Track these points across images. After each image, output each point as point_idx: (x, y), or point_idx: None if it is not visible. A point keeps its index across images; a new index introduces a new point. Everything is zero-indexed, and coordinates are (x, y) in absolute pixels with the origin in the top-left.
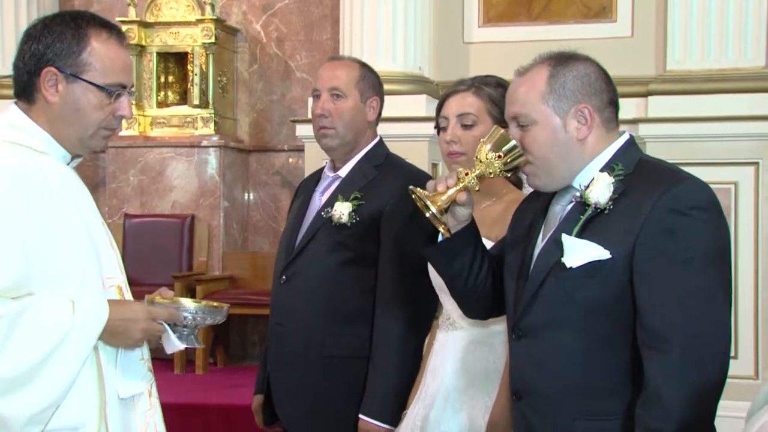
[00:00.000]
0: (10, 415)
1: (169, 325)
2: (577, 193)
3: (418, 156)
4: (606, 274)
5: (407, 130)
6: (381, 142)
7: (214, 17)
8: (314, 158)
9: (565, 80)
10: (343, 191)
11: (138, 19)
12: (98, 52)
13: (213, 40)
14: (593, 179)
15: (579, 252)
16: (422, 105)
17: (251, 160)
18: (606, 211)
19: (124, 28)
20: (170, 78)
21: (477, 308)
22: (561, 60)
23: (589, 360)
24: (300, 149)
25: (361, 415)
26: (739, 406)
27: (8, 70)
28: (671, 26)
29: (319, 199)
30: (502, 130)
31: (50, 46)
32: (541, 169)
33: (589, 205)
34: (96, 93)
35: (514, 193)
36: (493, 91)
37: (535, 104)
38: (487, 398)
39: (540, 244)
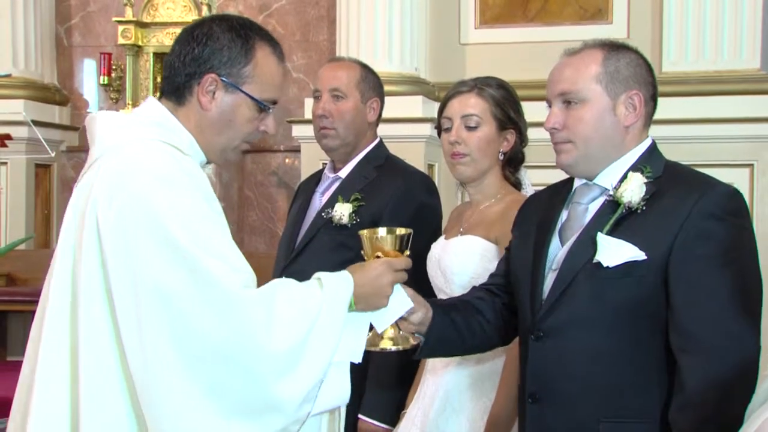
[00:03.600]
0: (285, 397)
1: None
2: (609, 192)
3: (414, 157)
4: (640, 275)
5: (404, 131)
6: (381, 144)
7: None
8: (311, 159)
9: (618, 65)
10: (343, 192)
11: (135, 19)
12: (261, 66)
13: None
14: (625, 178)
15: (615, 251)
16: (419, 106)
17: (247, 160)
18: (638, 212)
19: (120, 28)
20: None
21: (510, 333)
22: (614, 46)
23: (618, 360)
24: (296, 150)
25: (360, 415)
26: None
27: (3, 70)
28: (667, 28)
29: (319, 200)
30: (366, 232)
31: (216, 52)
32: (578, 148)
33: (620, 205)
34: (251, 107)
35: (513, 195)
36: (496, 92)
37: (587, 82)
38: (486, 399)
39: (555, 242)
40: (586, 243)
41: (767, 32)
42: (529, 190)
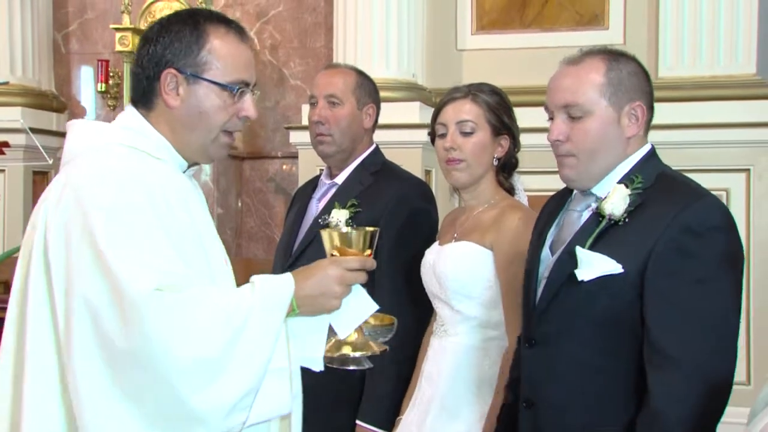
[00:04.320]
0: (207, 408)
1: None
2: (595, 204)
3: (411, 163)
4: (617, 288)
5: (401, 137)
6: (377, 150)
7: None
8: (308, 165)
9: (621, 75)
10: (339, 198)
11: (132, 26)
12: (218, 49)
13: None
14: (611, 191)
15: (592, 265)
16: (416, 112)
17: (245, 166)
18: (620, 224)
19: (118, 35)
20: None
21: None
22: (614, 55)
23: (598, 371)
24: (294, 156)
25: (358, 421)
26: (731, 411)
27: (1, 78)
28: (663, 33)
29: (316, 206)
30: (325, 232)
31: (168, 46)
32: (582, 161)
33: (603, 217)
34: (219, 93)
35: (507, 200)
36: (489, 98)
37: (591, 95)
38: (483, 404)
39: (546, 250)
40: (570, 254)
41: (763, 37)
42: (521, 195)
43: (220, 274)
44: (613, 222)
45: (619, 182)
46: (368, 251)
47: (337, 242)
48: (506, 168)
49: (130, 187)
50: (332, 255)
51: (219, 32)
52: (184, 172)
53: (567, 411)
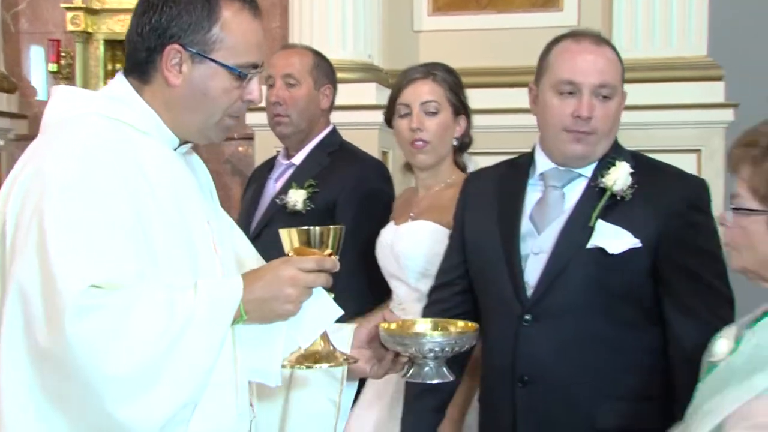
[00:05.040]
0: (135, 422)
1: (415, 359)
2: (597, 179)
3: (368, 143)
4: (634, 261)
5: (357, 118)
6: (335, 130)
7: None
8: (264, 147)
9: (621, 63)
10: (297, 179)
11: (84, 5)
12: (230, 26)
13: None
14: (611, 165)
15: (616, 239)
16: (372, 93)
17: (201, 149)
18: (624, 200)
19: (69, 14)
20: (118, 65)
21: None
22: (609, 42)
23: (612, 344)
24: (250, 137)
25: None
26: None
27: None
28: (617, 15)
29: (273, 187)
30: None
31: (175, 18)
32: (600, 139)
33: (606, 191)
34: (226, 75)
35: (460, 177)
36: (448, 77)
37: (618, 78)
38: None
39: (527, 225)
40: (577, 228)
41: (713, 19)
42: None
43: (205, 261)
44: (615, 198)
45: (601, 162)
46: (329, 251)
47: (295, 241)
48: (462, 147)
49: (96, 165)
50: (289, 255)
51: (233, 7)
52: (175, 149)
53: (571, 385)
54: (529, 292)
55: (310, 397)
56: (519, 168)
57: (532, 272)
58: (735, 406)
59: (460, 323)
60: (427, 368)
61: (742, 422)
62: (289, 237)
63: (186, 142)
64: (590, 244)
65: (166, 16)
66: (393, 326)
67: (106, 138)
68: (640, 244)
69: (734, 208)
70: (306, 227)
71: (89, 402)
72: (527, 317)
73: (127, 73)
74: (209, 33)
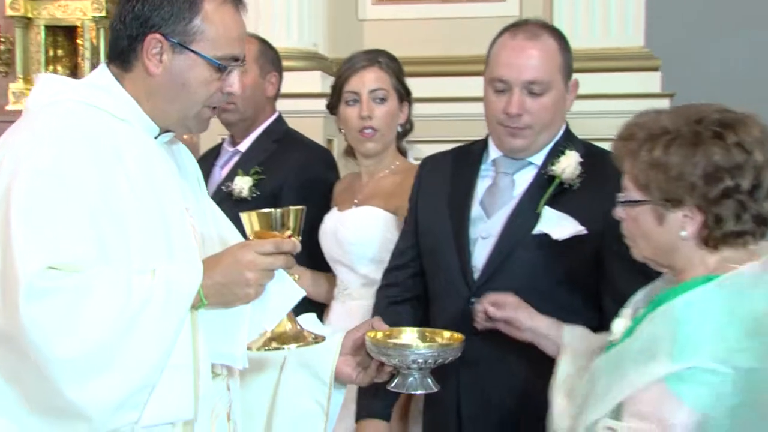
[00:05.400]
0: (88, 403)
1: (400, 369)
2: (546, 167)
3: (313, 131)
4: (578, 248)
5: (303, 106)
6: (280, 118)
7: None
8: (210, 134)
9: (567, 53)
10: (243, 166)
11: None
12: (212, 18)
13: (104, 13)
14: (560, 154)
15: (560, 225)
16: (317, 81)
17: None
18: (573, 188)
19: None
20: (59, 52)
21: None
22: (558, 32)
23: None
24: None
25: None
26: None
27: None
28: (557, 7)
29: (219, 174)
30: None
31: (157, 8)
32: (537, 133)
33: (554, 179)
34: (206, 67)
35: (405, 164)
36: (392, 65)
37: (554, 72)
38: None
39: (477, 210)
40: (524, 214)
41: (650, 11)
42: (411, 160)
43: (181, 247)
44: (564, 186)
45: (552, 150)
46: (288, 232)
47: (256, 224)
48: (404, 134)
49: (69, 151)
50: (249, 239)
51: (216, 0)
52: (156, 137)
53: (512, 365)
54: (477, 275)
55: (296, 396)
56: (472, 154)
57: (480, 256)
58: (629, 391)
59: (446, 334)
60: (411, 379)
61: (629, 408)
62: (249, 220)
63: (167, 131)
64: (536, 230)
65: (149, 5)
66: (379, 335)
67: (82, 124)
68: (585, 231)
69: (621, 202)
70: (266, 210)
71: (43, 382)
72: (473, 300)
73: (109, 61)
74: (190, 24)
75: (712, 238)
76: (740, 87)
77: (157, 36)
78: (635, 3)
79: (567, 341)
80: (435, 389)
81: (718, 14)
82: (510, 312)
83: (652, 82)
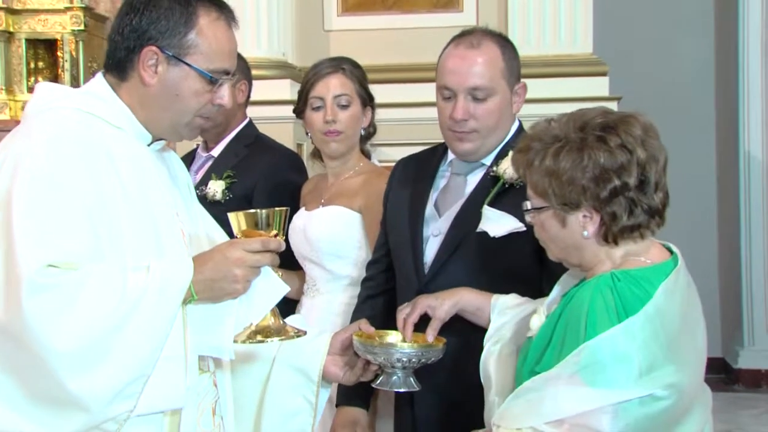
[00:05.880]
0: (86, 394)
1: (384, 367)
2: (492, 168)
3: (284, 137)
4: (518, 244)
5: (273, 113)
6: (251, 123)
7: (83, 5)
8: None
9: (511, 58)
10: (216, 170)
11: (5, 5)
12: (206, 33)
13: (82, 27)
14: (504, 156)
15: (499, 223)
16: (287, 89)
17: None
18: (517, 187)
19: None
20: (40, 64)
21: None
22: (502, 38)
23: None
24: None
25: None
26: None
27: None
28: (512, 17)
29: (193, 178)
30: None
31: (155, 22)
32: (483, 137)
33: (499, 179)
34: (198, 79)
35: (369, 166)
36: (356, 71)
37: (496, 78)
38: None
39: (431, 209)
40: (470, 213)
41: (598, 20)
42: (374, 161)
43: (171, 249)
44: (507, 185)
45: (500, 151)
46: (274, 231)
47: (243, 224)
48: (368, 137)
49: (64, 155)
50: (237, 237)
51: (210, 16)
52: (149, 145)
53: (459, 358)
54: (427, 270)
55: (285, 393)
56: (435, 155)
57: (430, 253)
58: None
59: (429, 337)
60: (395, 377)
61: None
62: (237, 220)
63: (159, 139)
64: (478, 229)
65: (146, 19)
66: (366, 336)
67: (77, 130)
68: (523, 228)
69: (526, 210)
70: (253, 210)
71: (42, 373)
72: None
73: (106, 71)
74: (185, 38)
75: (611, 234)
76: (680, 90)
77: (154, 48)
78: (584, 13)
79: (496, 313)
80: (417, 388)
81: (661, 23)
82: (418, 308)
83: (600, 86)
